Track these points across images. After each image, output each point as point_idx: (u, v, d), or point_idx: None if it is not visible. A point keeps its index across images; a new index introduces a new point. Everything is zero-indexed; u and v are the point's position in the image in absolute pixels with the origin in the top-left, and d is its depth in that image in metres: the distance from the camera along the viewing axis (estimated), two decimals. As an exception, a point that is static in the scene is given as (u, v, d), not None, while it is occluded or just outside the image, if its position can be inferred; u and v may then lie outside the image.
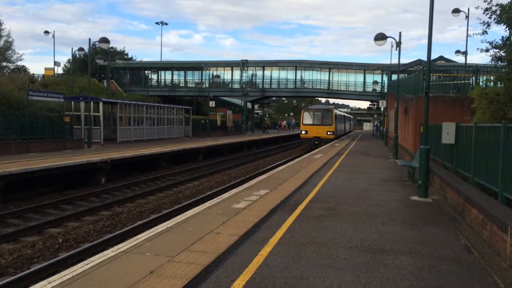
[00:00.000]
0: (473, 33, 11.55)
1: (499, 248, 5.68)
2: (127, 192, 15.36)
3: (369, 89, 48.92)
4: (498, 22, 10.17)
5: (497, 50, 10.09)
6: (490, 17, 10.25)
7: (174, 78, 56.25)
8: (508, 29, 9.99)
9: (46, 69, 51.17)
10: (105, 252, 5.68)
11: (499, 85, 10.97)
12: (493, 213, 5.97)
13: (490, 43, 10.26)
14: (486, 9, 10.23)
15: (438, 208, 8.96)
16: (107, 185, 16.34)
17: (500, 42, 10.29)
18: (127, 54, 63.47)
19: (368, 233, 6.73)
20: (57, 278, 4.68)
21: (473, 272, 5.16)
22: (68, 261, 7.59)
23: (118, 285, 4.47)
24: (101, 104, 26.10)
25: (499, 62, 10.35)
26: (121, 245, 5.98)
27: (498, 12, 10.06)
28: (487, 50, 10.43)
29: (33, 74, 46.74)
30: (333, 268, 5.13)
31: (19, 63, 49.63)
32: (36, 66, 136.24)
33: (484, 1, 10.26)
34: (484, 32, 10.47)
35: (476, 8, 10.89)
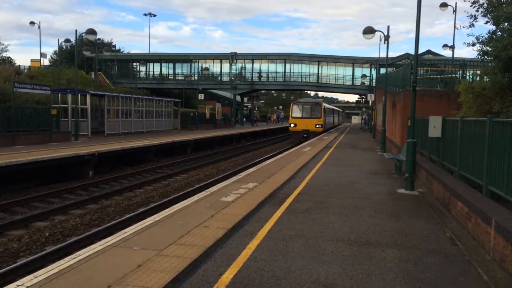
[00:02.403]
0: (460, 26, 11.65)
1: (483, 241, 5.78)
2: (115, 185, 15.26)
3: (358, 82, 49.14)
4: (484, 15, 10.27)
5: (483, 45, 10.19)
6: (477, 10, 10.34)
7: (162, 70, 55.84)
8: (494, 26, 10.10)
9: (32, 60, 50.45)
10: (92, 246, 5.64)
11: (485, 79, 11.10)
12: (478, 206, 6.07)
13: (477, 38, 10.35)
14: (474, 2, 10.32)
15: (424, 200, 9.07)
16: (94, 178, 16.21)
17: (486, 36, 10.40)
18: (114, 46, 62.79)
19: (355, 226, 6.79)
20: (43, 272, 4.65)
21: (458, 264, 5.24)
22: (55, 255, 7.55)
23: (105, 279, 4.45)
24: (88, 97, 25.81)
25: (486, 56, 10.46)
26: (108, 238, 5.96)
27: (486, 5, 10.15)
28: (473, 45, 10.54)
29: (19, 65, 46.01)
30: (320, 261, 5.17)
31: (4, 54, 48.80)
32: (22, 57, 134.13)
33: None
34: (471, 25, 10.57)
35: (464, 0, 10.98)
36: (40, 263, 7.17)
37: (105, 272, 4.65)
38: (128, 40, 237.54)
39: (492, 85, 10.02)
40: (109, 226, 9.50)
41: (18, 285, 4.29)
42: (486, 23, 10.07)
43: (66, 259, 5.12)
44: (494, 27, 10.46)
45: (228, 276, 4.64)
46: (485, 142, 6.88)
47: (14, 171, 13.40)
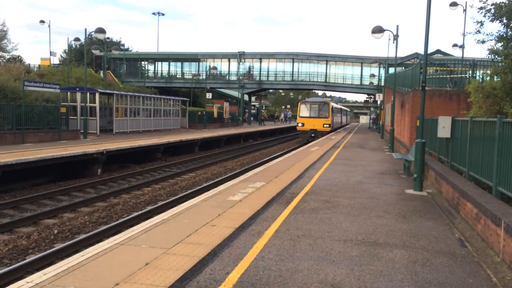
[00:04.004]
0: (467, 32, 11.66)
1: (492, 242, 5.73)
2: (123, 184, 15.33)
3: (366, 82, 48.88)
4: (492, 21, 10.20)
5: (494, 42, 10.12)
6: (484, 15, 10.28)
7: (171, 69, 56.00)
8: (506, 25, 10.00)
9: (42, 59, 50.83)
10: (100, 244, 5.68)
11: (495, 79, 11.00)
12: (487, 207, 6.01)
13: (487, 35, 10.30)
14: (481, 8, 10.26)
15: (432, 201, 9.00)
16: (103, 176, 16.31)
17: (496, 35, 10.33)
18: (123, 45, 63.11)
19: (363, 226, 6.76)
20: (52, 270, 4.68)
21: (467, 265, 5.20)
22: (64, 253, 7.60)
23: (113, 276, 4.47)
24: (97, 95, 25.96)
25: (496, 56, 10.37)
26: (116, 236, 5.99)
27: (493, 10, 10.07)
28: (483, 42, 10.48)
29: (29, 64, 46.48)
30: (327, 261, 5.16)
31: (14, 52, 49.26)
32: (32, 56, 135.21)
33: (480, 1, 10.30)
34: (478, 32, 10.52)
35: (471, 6, 11.02)
36: (48, 260, 7.22)
37: (113, 270, 4.67)
38: (137, 39, 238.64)
39: (503, 85, 9.92)
40: (117, 224, 9.54)
41: (28, 282, 4.33)
42: (500, 22, 9.97)
43: (75, 256, 5.15)
44: (503, 29, 10.37)
45: (235, 275, 4.64)
46: (495, 143, 6.82)
47: (23, 168, 13.52)
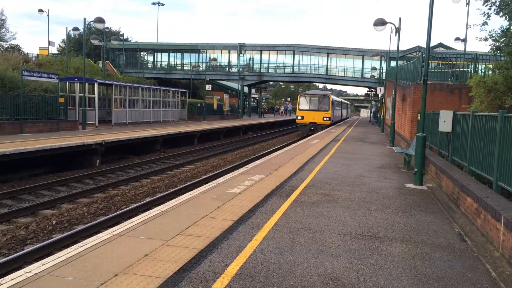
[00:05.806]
0: (474, 24, 11.54)
1: (492, 237, 5.72)
2: (122, 175, 15.31)
3: (367, 75, 48.69)
4: (497, 13, 10.10)
5: (495, 42, 10.03)
6: (489, 8, 10.18)
7: (170, 60, 55.72)
8: (508, 21, 9.92)
9: (40, 48, 50.49)
10: (99, 235, 5.66)
11: (497, 74, 10.94)
12: (487, 202, 5.99)
13: (490, 33, 10.20)
14: (486, 0, 10.16)
15: (433, 196, 8.99)
16: (101, 167, 16.28)
17: (499, 32, 10.24)
18: (122, 35, 62.70)
19: (362, 220, 6.74)
20: (51, 260, 4.67)
21: (466, 260, 5.19)
22: (62, 243, 7.59)
23: (112, 267, 4.46)
24: (96, 86, 25.86)
25: (498, 52, 10.30)
26: (115, 228, 5.97)
27: (498, 3, 9.98)
28: (485, 40, 10.39)
29: (27, 53, 46.17)
30: (327, 255, 5.14)
31: (12, 42, 49.02)
32: (31, 45, 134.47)
33: None
34: (485, 23, 10.41)
35: (476, 0, 10.89)
36: (47, 250, 7.21)
37: (112, 260, 4.66)
38: (136, 29, 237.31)
39: (504, 80, 9.87)
40: (115, 215, 9.53)
41: (26, 272, 4.31)
42: (502, 16, 9.88)
43: (74, 247, 5.14)
44: (507, 23, 10.28)
45: (234, 267, 4.63)
46: (496, 138, 6.79)
47: (22, 158, 13.48)
